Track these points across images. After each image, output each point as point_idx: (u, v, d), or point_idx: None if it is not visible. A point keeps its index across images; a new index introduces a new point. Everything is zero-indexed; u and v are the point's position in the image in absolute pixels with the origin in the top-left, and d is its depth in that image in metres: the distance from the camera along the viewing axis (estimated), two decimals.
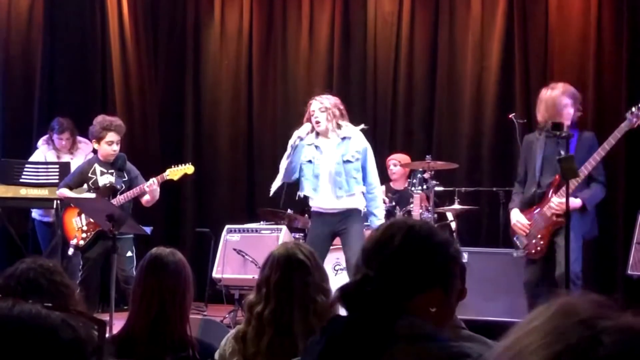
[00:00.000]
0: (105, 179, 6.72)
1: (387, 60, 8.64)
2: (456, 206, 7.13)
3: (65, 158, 7.68)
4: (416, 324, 1.79)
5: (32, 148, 8.05)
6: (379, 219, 6.28)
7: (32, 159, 7.71)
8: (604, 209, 7.42)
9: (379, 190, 6.47)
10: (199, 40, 9.33)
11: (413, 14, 8.53)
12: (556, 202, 5.64)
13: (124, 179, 6.77)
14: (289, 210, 7.61)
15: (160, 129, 9.30)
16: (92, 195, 6.63)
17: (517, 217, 5.91)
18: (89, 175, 6.75)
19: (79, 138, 7.88)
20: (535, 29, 8.03)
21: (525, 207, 5.93)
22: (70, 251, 6.74)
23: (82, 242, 6.72)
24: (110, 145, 6.68)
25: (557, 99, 5.76)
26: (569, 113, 5.75)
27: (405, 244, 1.90)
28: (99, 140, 6.71)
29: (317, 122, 6.12)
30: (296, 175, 6.25)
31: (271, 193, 6.45)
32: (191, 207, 9.12)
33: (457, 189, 7.26)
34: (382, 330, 1.79)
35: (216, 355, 2.91)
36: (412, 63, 8.55)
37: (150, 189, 6.64)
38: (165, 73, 9.42)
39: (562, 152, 5.48)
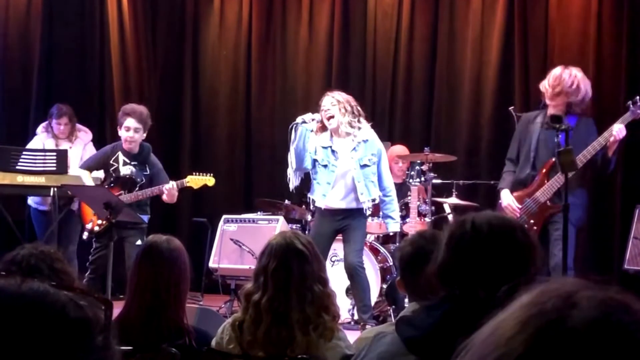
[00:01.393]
0: (127, 170, 6.71)
1: (387, 52, 8.63)
2: (454, 199, 7.13)
3: (64, 145, 7.66)
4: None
5: (30, 135, 8.03)
6: (396, 221, 6.30)
7: (30, 145, 7.69)
8: (601, 203, 7.44)
9: (394, 193, 6.46)
10: (198, 29, 9.31)
11: (413, 6, 8.51)
12: (616, 128, 5.60)
13: (146, 173, 6.76)
14: (286, 201, 7.60)
15: (158, 120, 9.26)
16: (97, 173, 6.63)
17: (509, 199, 5.88)
18: (111, 162, 6.75)
19: (79, 126, 7.86)
20: (535, 24, 8.02)
21: (517, 188, 5.91)
22: (85, 235, 6.75)
23: (97, 228, 6.72)
24: (128, 131, 6.68)
25: (583, 81, 5.75)
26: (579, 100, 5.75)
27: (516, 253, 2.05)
28: (120, 126, 6.73)
29: (330, 117, 6.04)
30: (308, 165, 6.20)
31: (291, 188, 6.42)
32: (188, 196, 9.11)
33: (455, 181, 7.26)
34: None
35: (213, 343, 2.91)
36: (411, 55, 8.54)
37: (168, 192, 6.63)
38: (163, 62, 9.39)
39: (557, 139, 5.49)
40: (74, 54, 9.18)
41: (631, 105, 5.74)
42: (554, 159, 5.69)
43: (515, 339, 0.72)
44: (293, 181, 6.30)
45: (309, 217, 7.24)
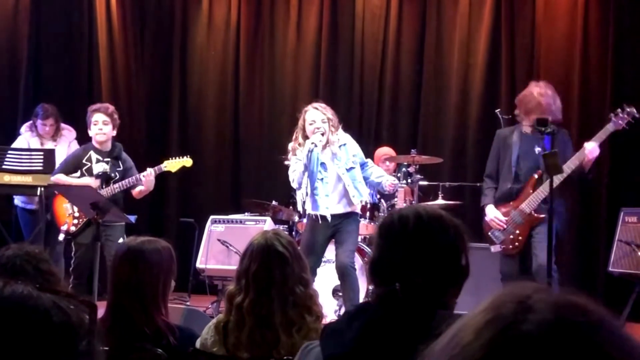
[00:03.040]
0: (100, 167, 6.69)
1: (374, 54, 8.66)
2: (440, 201, 7.15)
3: (49, 145, 7.64)
4: (451, 320, 1.83)
5: (17, 135, 8.00)
6: (385, 176, 6.33)
7: (15, 145, 7.65)
8: (587, 206, 7.49)
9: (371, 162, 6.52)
10: (187, 30, 9.30)
11: (401, 8, 8.54)
12: (589, 147, 5.67)
13: (119, 169, 6.74)
14: (273, 202, 7.61)
15: (146, 119, 9.28)
16: (89, 180, 6.59)
17: (495, 213, 5.96)
18: (84, 161, 6.72)
19: (63, 125, 7.84)
20: (522, 26, 8.06)
21: (501, 202, 5.98)
22: (61, 237, 6.67)
23: (73, 228, 6.68)
24: (96, 124, 6.65)
25: (546, 96, 5.82)
26: (558, 109, 5.82)
27: (446, 240, 1.98)
28: (89, 124, 6.71)
29: (323, 134, 6.06)
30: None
31: (301, 209, 6.45)
32: (176, 196, 9.11)
33: (441, 183, 7.29)
34: (420, 325, 1.80)
35: (197, 344, 2.91)
36: (399, 57, 8.57)
37: (146, 179, 6.60)
38: (152, 63, 9.39)
39: (538, 149, 5.57)
40: (61, 52, 9.15)
41: (612, 117, 5.80)
42: (539, 172, 5.76)
43: (472, 345, 0.72)
44: (301, 198, 6.32)
45: (296, 218, 7.25)
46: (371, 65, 8.67)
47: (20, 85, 8.84)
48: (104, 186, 6.60)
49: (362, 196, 6.19)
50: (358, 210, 6.25)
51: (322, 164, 6.12)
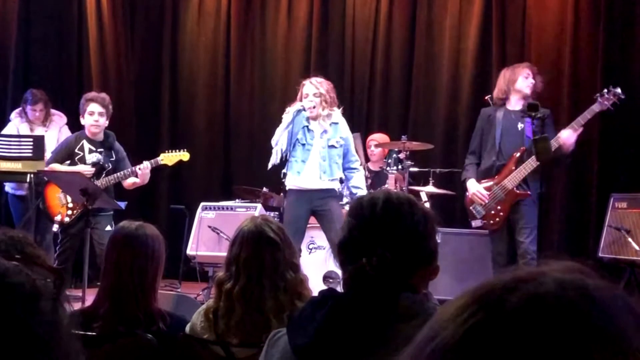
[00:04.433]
0: (93, 157, 6.64)
1: (365, 40, 8.64)
2: (430, 187, 7.16)
3: (39, 130, 7.61)
4: (417, 301, 1.83)
5: (6, 122, 7.97)
6: (363, 190, 6.34)
7: (4, 132, 7.63)
8: (577, 191, 7.51)
9: (360, 167, 6.52)
10: (177, 15, 9.27)
11: None
12: (564, 135, 5.71)
13: (112, 159, 6.70)
14: (264, 189, 7.60)
15: (136, 105, 9.24)
16: (84, 167, 6.55)
17: (476, 187, 6.05)
18: (76, 150, 6.67)
19: (53, 111, 7.82)
20: (512, 11, 8.06)
21: (482, 177, 6.06)
22: (55, 228, 6.60)
23: (67, 219, 6.61)
24: (92, 115, 6.61)
25: (516, 69, 5.92)
26: (528, 81, 5.90)
27: (415, 222, 1.96)
28: (83, 113, 6.66)
29: (312, 107, 6.13)
30: (288, 145, 6.24)
31: (270, 165, 6.43)
32: (166, 183, 9.09)
33: (432, 169, 7.29)
34: (386, 309, 1.81)
35: (187, 329, 2.92)
36: (390, 43, 8.56)
37: (142, 172, 6.57)
38: (142, 48, 9.35)
39: (521, 125, 5.66)
40: (51, 38, 9.11)
41: (598, 97, 5.84)
42: (522, 149, 5.83)
43: (449, 327, 0.70)
44: (274, 159, 6.33)
45: None
46: (362, 51, 8.65)
47: (9, 72, 8.79)
48: (95, 178, 6.56)
49: (332, 175, 6.22)
50: (336, 188, 6.28)
51: (311, 131, 6.17)
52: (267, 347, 2.01)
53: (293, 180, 6.21)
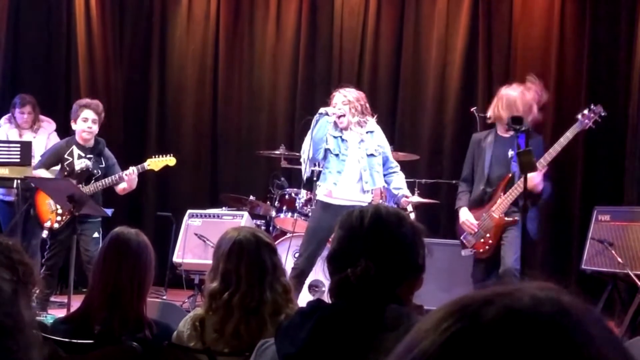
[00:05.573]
0: (82, 163, 6.65)
1: (353, 51, 8.69)
2: (416, 198, 7.19)
3: (27, 136, 7.61)
4: (404, 314, 1.87)
5: None
6: (404, 190, 6.32)
7: None
8: (560, 204, 7.57)
9: (399, 169, 6.49)
10: (166, 23, 9.29)
11: (379, 5, 8.58)
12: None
13: (101, 165, 6.71)
14: (251, 197, 7.63)
15: (124, 112, 9.25)
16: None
17: (466, 216, 6.01)
18: (65, 156, 6.68)
19: (42, 117, 7.83)
20: (499, 25, 8.13)
21: (474, 206, 6.03)
22: (45, 234, 6.57)
23: (56, 225, 6.60)
24: (85, 121, 6.61)
25: (525, 97, 5.82)
26: (534, 113, 5.85)
27: (401, 234, 2.01)
28: (75, 119, 6.66)
29: (342, 116, 6.10)
30: (320, 155, 6.22)
31: (304, 177, 6.42)
32: (153, 190, 9.10)
33: (417, 180, 7.33)
34: (373, 319, 1.85)
35: (173, 337, 2.93)
36: (377, 54, 8.60)
37: (129, 178, 6.58)
38: (130, 56, 9.37)
39: (511, 152, 5.61)
40: (39, 45, 9.11)
41: (580, 117, 5.87)
42: (509, 176, 5.81)
43: (428, 338, 0.73)
44: (305, 170, 6.32)
45: (274, 213, 7.27)
46: (349, 62, 8.70)
47: None
48: (83, 184, 6.57)
49: (375, 185, 6.22)
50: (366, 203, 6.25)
51: (345, 140, 6.16)
52: (254, 356, 2.04)
53: (326, 191, 6.17)
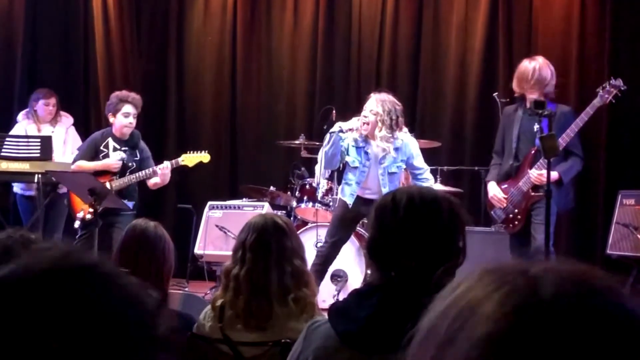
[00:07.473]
0: (117, 155, 6.66)
1: (372, 39, 8.63)
2: (438, 185, 7.15)
3: (46, 130, 7.62)
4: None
5: (13, 122, 7.99)
6: None
7: (12, 133, 7.65)
8: (584, 188, 7.49)
9: (428, 175, 6.37)
10: (183, 15, 9.27)
11: None
12: (535, 174, 5.68)
13: (136, 158, 6.72)
14: (271, 188, 7.61)
15: (143, 105, 9.22)
16: (111, 160, 6.56)
17: (494, 191, 5.96)
18: (101, 148, 6.69)
19: (60, 112, 7.84)
20: (519, 9, 8.04)
21: (502, 180, 5.98)
22: (77, 224, 6.57)
23: (89, 216, 6.62)
24: (127, 117, 6.63)
25: (541, 70, 5.82)
26: (551, 85, 5.82)
27: (437, 222, 2.02)
28: (115, 112, 6.65)
29: (365, 124, 5.97)
30: (335, 167, 6.18)
31: (315, 181, 6.39)
32: (173, 182, 9.07)
33: (439, 167, 7.28)
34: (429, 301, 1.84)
35: (194, 328, 2.93)
36: (396, 42, 8.54)
37: (162, 172, 6.58)
38: (148, 48, 9.36)
39: (537, 127, 5.56)
40: (58, 40, 9.13)
41: (600, 91, 5.79)
42: (534, 149, 5.76)
43: (496, 315, 0.72)
44: (319, 177, 6.28)
45: (294, 204, 7.25)
46: (368, 50, 8.64)
47: (16, 73, 8.81)
48: (117, 176, 6.58)
49: None
50: None
51: (367, 153, 6.07)
52: (305, 334, 2.07)
53: (348, 200, 6.10)
